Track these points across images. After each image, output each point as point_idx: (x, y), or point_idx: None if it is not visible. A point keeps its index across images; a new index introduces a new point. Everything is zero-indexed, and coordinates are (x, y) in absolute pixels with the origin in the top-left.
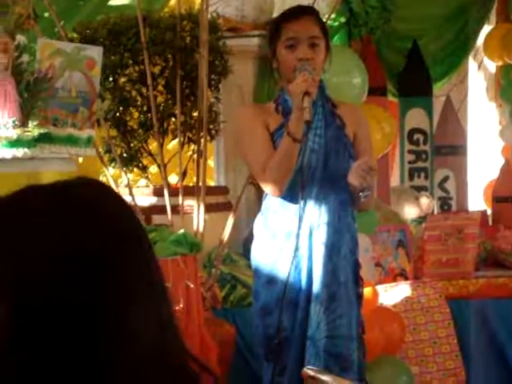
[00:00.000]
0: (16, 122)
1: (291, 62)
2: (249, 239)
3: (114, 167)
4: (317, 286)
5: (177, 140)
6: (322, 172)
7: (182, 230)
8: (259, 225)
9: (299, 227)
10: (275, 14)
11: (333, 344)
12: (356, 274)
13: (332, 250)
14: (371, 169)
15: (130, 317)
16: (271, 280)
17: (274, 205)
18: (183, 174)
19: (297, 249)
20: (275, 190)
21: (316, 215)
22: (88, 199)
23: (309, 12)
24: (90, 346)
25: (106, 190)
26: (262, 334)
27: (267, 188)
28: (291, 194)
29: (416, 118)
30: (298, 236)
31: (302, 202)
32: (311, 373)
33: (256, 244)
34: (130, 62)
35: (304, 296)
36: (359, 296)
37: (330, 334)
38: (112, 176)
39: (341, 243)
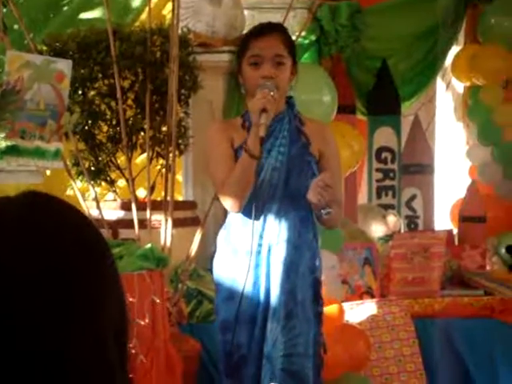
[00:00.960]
0: None
1: (255, 79)
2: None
3: (81, 180)
4: (274, 304)
5: (145, 154)
6: (283, 189)
7: (149, 245)
8: (221, 239)
9: (259, 244)
10: (246, 31)
11: (290, 362)
12: (315, 292)
13: (290, 268)
14: (328, 186)
15: (91, 331)
16: (230, 296)
17: (235, 221)
18: (151, 189)
19: (256, 266)
20: (233, 206)
21: (276, 232)
22: (53, 214)
23: (276, 29)
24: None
25: (67, 205)
26: (221, 350)
27: (226, 203)
28: (250, 211)
29: (384, 136)
30: (256, 253)
31: (261, 219)
32: None
33: (218, 258)
34: (100, 75)
35: (261, 314)
36: (318, 315)
37: (288, 352)
38: (79, 189)
39: (300, 261)
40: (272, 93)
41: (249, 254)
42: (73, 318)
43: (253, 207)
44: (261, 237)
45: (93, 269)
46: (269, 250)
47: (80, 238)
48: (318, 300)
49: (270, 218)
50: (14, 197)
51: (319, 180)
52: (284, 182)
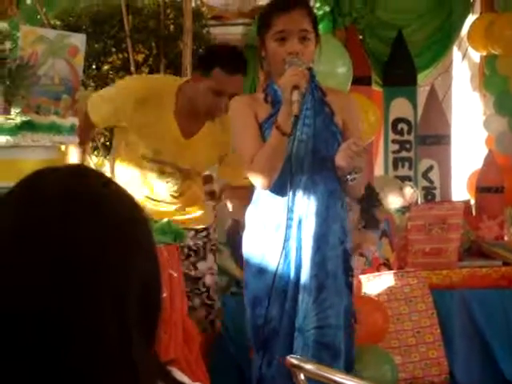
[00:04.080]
0: None
1: (280, 55)
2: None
3: (96, 156)
4: (305, 277)
5: None
6: (311, 162)
7: (165, 219)
8: (251, 215)
9: (289, 218)
10: (260, 2)
11: (322, 334)
12: (346, 263)
13: (320, 241)
14: (361, 149)
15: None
16: (261, 270)
17: (264, 195)
18: None
19: (286, 240)
20: (264, 183)
21: (305, 206)
22: (95, 187)
23: (300, 4)
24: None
25: (112, 182)
26: (251, 324)
27: (255, 180)
28: (280, 185)
29: (400, 107)
30: (287, 227)
31: (291, 193)
32: (295, 361)
33: (247, 234)
34: (114, 49)
35: (292, 287)
36: (349, 285)
37: (320, 324)
38: (95, 165)
39: (329, 233)
40: (301, 68)
41: (278, 227)
42: (93, 280)
43: (287, 181)
44: (291, 211)
45: (123, 241)
46: (299, 224)
47: (120, 212)
48: (348, 270)
49: (299, 191)
50: (62, 168)
51: (351, 143)
52: (311, 155)
